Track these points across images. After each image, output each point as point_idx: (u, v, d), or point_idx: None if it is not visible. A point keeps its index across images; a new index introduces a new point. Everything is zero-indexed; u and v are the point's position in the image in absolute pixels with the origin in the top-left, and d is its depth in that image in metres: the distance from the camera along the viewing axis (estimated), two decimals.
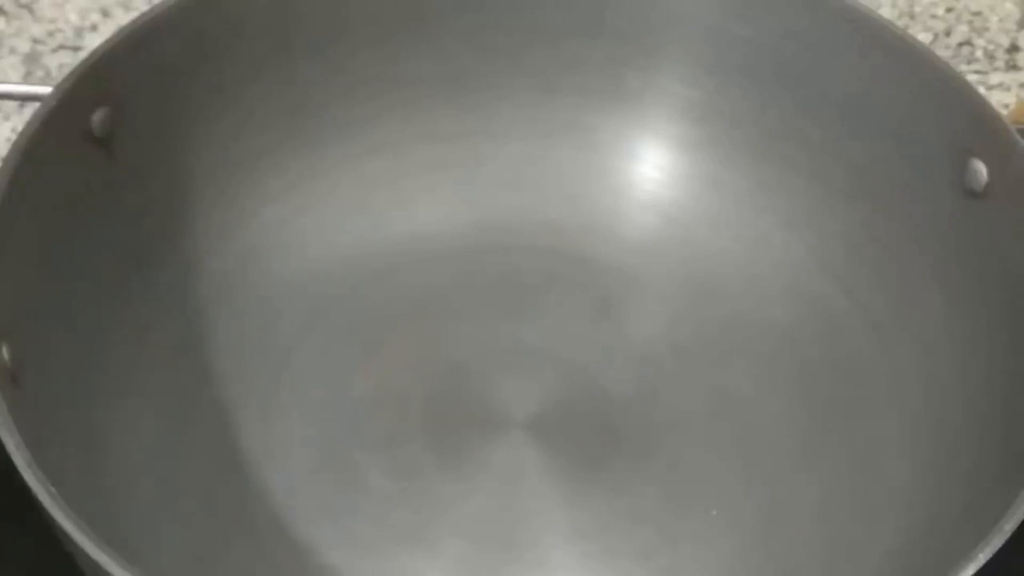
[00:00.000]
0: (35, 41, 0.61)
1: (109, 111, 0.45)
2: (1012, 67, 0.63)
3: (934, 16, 0.65)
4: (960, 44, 0.64)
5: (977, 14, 0.65)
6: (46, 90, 0.44)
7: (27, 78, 0.60)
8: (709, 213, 0.53)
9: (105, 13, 0.62)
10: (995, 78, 0.63)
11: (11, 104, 0.59)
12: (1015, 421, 0.42)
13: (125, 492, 0.43)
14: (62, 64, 0.60)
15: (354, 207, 0.52)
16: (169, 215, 0.48)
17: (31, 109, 0.48)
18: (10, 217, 0.41)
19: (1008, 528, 0.37)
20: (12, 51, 0.61)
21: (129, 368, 0.46)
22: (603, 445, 0.48)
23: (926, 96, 0.48)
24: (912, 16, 0.65)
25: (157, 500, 0.44)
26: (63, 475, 0.36)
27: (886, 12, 0.63)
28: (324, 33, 0.50)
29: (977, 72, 0.63)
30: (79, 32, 0.61)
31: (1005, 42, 0.64)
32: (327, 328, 0.50)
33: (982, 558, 0.36)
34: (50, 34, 0.61)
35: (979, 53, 0.64)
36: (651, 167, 0.53)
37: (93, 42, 0.60)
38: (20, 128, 0.42)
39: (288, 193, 0.51)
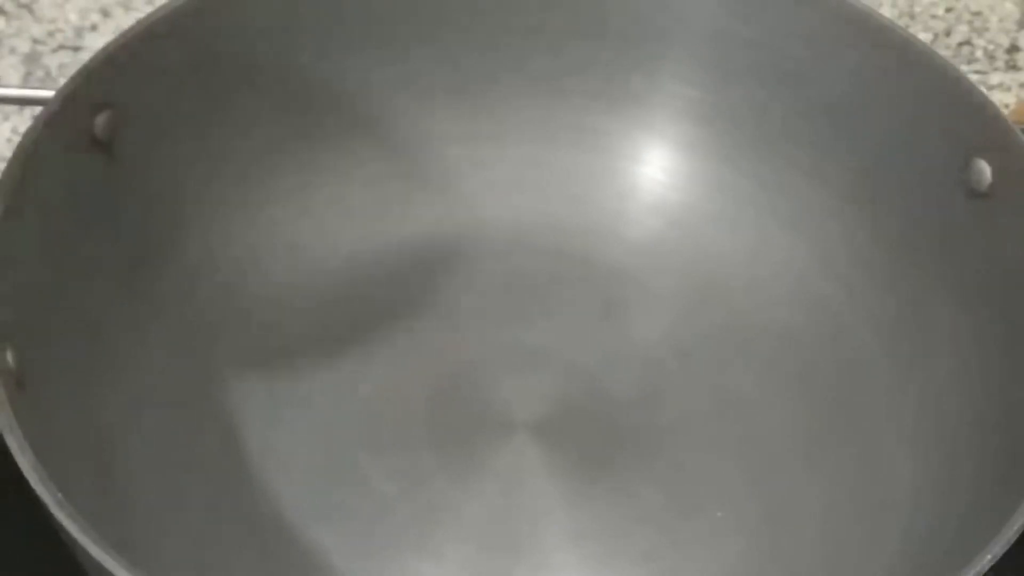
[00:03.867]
0: (35, 41, 0.61)
1: (111, 114, 0.45)
2: (1012, 67, 0.63)
3: (934, 16, 0.65)
4: (960, 44, 0.64)
5: (977, 14, 0.65)
6: (47, 94, 0.44)
7: (27, 78, 0.60)
8: (713, 215, 0.53)
9: (105, 13, 0.62)
10: (995, 78, 0.63)
11: (11, 104, 0.59)
12: (1020, 422, 0.42)
13: (129, 494, 0.43)
14: (62, 64, 0.60)
15: (357, 208, 0.52)
16: (171, 217, 0.48)
17: (31, 109, 0.48)
18: (14, 220, 0.41)
19: (1015, 529, 0.37)
20: (12, 51, 0.61)
21: (132, 370, 0.46)
22: (606, 447, 0.48)
23: (929, 96, 0.48)
24: (912, 16, 0.65)
25: (161, 502, 0.44)
26: (68, 478, 0.36)
27: (886, 12, 0.63)
28: (327, 36, 0.50)
29: (977, 72, 0.63)
30: (79, 32, 0.61)
31: (1005, 42, 0.64)
32: (330, 330, 0.50)
33: (989, 560, 0.36)
34: (50, 34, 0.61)
35: (979, 53, 0.64)
36: (655, 169, 0.53)
37: (93, 42, 0.60)
38: (20, 128, 0.43)
39: (290, 195, 0.51)
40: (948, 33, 0.65)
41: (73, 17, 0.62)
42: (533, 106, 0.53)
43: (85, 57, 0.45)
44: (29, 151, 0.42)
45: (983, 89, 0.48)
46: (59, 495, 0.35)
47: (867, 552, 0.45)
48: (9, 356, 0.39)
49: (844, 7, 0.49)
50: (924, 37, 0.63)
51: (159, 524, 0.43)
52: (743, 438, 0.48)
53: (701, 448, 0.48)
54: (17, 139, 0.42)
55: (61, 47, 0.61)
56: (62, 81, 0.44)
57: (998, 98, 0.61)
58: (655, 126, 0.53)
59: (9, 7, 0.62)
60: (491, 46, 0.52)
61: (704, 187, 0.53)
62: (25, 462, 0.36)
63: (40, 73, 0.60)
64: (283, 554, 0.45)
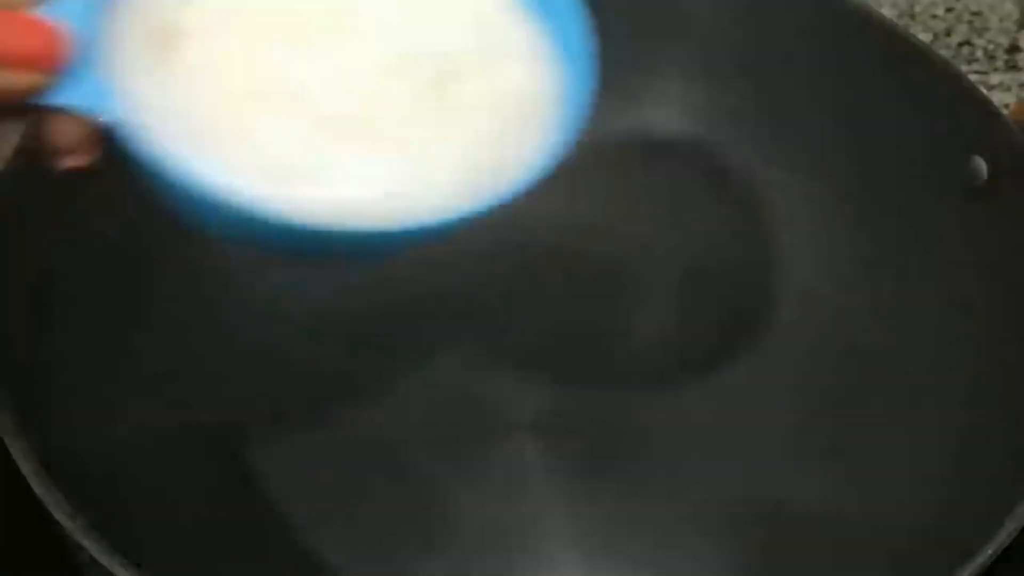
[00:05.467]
0: None
1: None
2: (1012, 67, 0.63)
3: (934, 16, 0.65)
4: (960, 44, 0.64)
5: (977, 14, 0.65)
6: None
7: None
8: (712, 213, 0.53)
9: None
10: (995, 78, 0.63)
11: None
12: (1018, 419, 0.42)
13: (131, 496, 0.43)
14: None
15: None
16: (170, 222, 0.48)
17: None
18: (11, 223, 0.41)
19: (1013, 527, 0.37)
20: None
21: (133, 372, 0.46)
22: (606, 447, 0.48)
23: (927, 94, 0.48)
24: (912, 16, 0.65)
25: (161, 503, 0.44)
26: (69, 480, 0.36)
27: (886, 12, 0.63)
28: None
29: (977, 72, 0.63)
30: None
31: (1005, 42, 0.64)
32: (328, 331, 0.50)
33: (990, 554, 0.36)
34: None
35: (979, 53, 0.64)
36: (654, 167, 0.53)
37: None
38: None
39: None
40: (948, 33, 0.65)
41: None
42: None
43: None
44: (28, 152, 0.42)
45: (983, 89, 0.48)
46: (60, 497, 0.35)
47: (866, 551, 0.45)
48: (9, 361, 0.39)
49: (844, 7, 0.49)
50: (924, 37, 0.63)
51: (159, 524, 0.43)
52: (743, 437, 0.48)
53: (701, 448, 0.48)
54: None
55: None
56: None
57: (998, 98, 0.61)
58: (652, 125, 0.53)
59: None
60: None
61: (703, 185, 0.53)
62: (27, 466, 0.36)
63: None
64: (283, 553, 0.45)
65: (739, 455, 0.48)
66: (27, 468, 0.36)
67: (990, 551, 0.36)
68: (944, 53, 0.62)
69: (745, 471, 0.48)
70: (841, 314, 0.50)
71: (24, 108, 0.30)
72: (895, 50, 0.49)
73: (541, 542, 0.46)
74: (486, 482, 0.47)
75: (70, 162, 0.31)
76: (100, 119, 0.30)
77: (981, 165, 0.46)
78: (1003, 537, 0.37)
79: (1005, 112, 0.59)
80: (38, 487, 0.35)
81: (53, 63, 0.30)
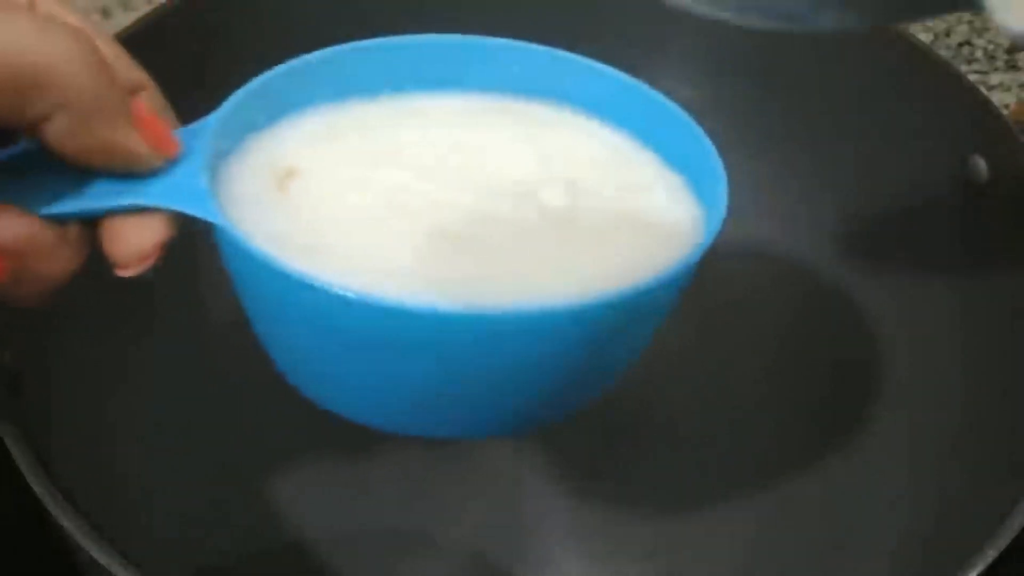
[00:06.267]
0: None
1: None
2: (1012, 67, 0.63)
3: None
4: (960, 44, 0.64)
5: (977, 14, 0.65)
6: None
7: None
8: None
9: (105, 13, 0.62)
10: (995, 78, 0.63)
11: None
12: (1017, 420, 0.42)
13: (128, 493, 0.43)
14: None
15: None
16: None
17: None
18: None
19: (1013, 526, 0.37)
20: None
21: (133, 372, 0.46)
22: (606, 446, 0.48)
23: (927, 94, 0.48)
24: None
25: (160, 502, 0.44)
26: (68, 479, 0.36)
27: None
28: (325, 33, 0.50)
29: (977, 72, 0.63)
30: None
31: (1005, 42, 0.64)
32: None
33: (991, 555, 0.36)
34: None
35: (979, 53, 0.64)
36: None
37: None
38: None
39: None
40: (948, 33, 0.65)
41: None
42: None
43: None
44: None
45: (983, 89, 0.48)
46: (60, 497, 0.35)
47: (865, 553, 0.45)
48: (8, 358, 0.39)
49: None
50: (924, 37, 0.63)
51: (158, 523, 0.43)
52: (742, 437, 0.48)
53: (699, 448, 0.48)
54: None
55: None
56: None
57: (998, 98, 0.61)
58: None
59: None
60: None
61: None
62: (25, 463, 0.36)
63: None
64: (283, 553, 0.45)
65: (739, 455, 0.48)
66: (27, 468, 0.36)
67: (990, 551, 0.36)
68: (944, 53, 0.62)
69: (745, 471, 0.48)
70: (841, 314, 0.50)
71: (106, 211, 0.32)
72: (895, 50, 0.48)
73: (541, 542, 0.46)
74: (486, 481, 0.47)
75: (130, 272, 0.33)
76: (196, 217, 0.32)
77: (981, 165, 0.46)
78: (1003, 537, 0.37)
79: (1005, 112, 0.59)
80: (38, 487, 0.35)
81: (162, 152, 0.33)
